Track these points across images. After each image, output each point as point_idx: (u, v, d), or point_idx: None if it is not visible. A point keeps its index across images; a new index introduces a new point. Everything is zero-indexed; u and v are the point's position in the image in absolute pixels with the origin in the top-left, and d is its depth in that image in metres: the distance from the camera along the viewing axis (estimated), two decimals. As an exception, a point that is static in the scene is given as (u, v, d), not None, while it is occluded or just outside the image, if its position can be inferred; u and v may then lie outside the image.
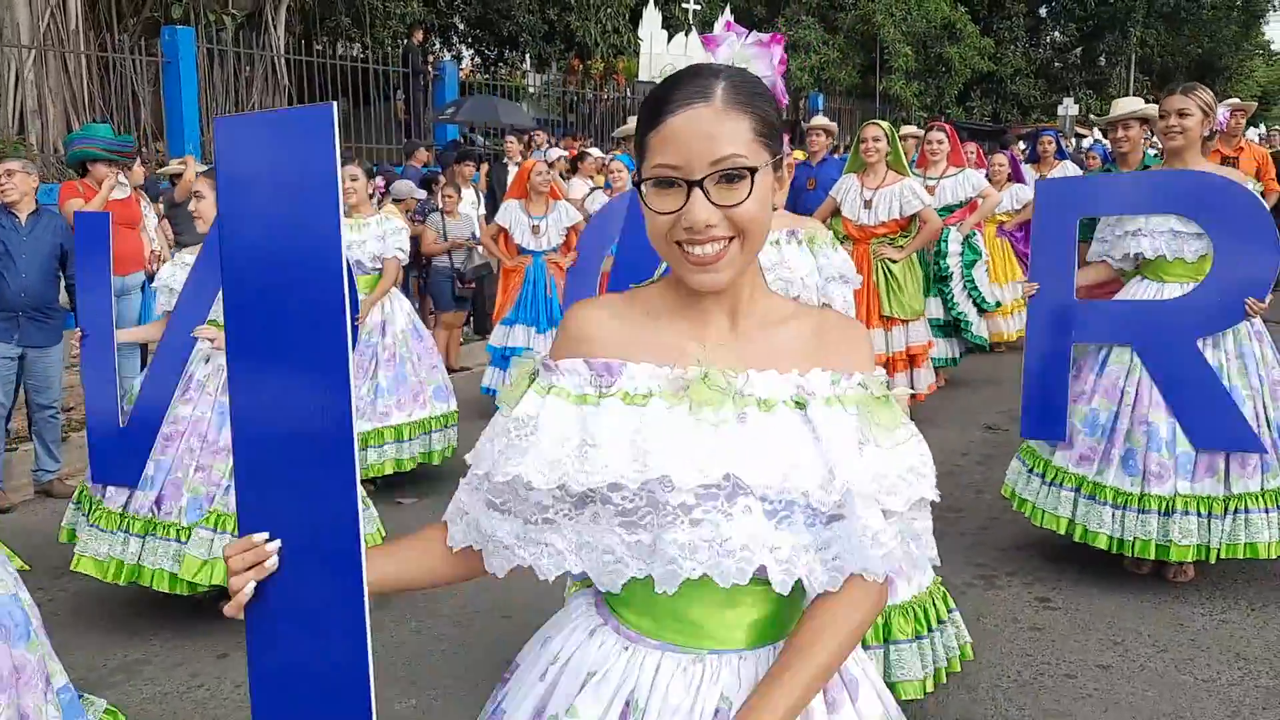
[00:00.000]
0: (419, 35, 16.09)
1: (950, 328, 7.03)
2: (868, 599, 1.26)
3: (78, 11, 12.43)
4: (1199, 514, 3.82)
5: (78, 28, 12.42)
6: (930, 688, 2.90)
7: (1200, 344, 3.90)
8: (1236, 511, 3.82)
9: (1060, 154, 9.71)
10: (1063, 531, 4.04)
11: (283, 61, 14.85)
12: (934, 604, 2.96)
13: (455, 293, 8.59)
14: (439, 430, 5.60)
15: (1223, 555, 3.83)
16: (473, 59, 21.54)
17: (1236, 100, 7.72)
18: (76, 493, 4.05)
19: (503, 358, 7.18)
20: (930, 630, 2.92)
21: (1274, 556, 3.84)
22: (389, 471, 5.32)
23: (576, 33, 19.37)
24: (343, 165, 6.26)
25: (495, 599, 4.04)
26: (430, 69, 15.78)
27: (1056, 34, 29.69)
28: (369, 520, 4.16)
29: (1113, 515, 3.91)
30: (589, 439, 1.25)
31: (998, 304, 7.48)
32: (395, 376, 5.47)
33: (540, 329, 7.09)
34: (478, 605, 4.03)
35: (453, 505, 1.40)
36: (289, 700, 1.32)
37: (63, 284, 5.61)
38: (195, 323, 3.86)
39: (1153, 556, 3.90)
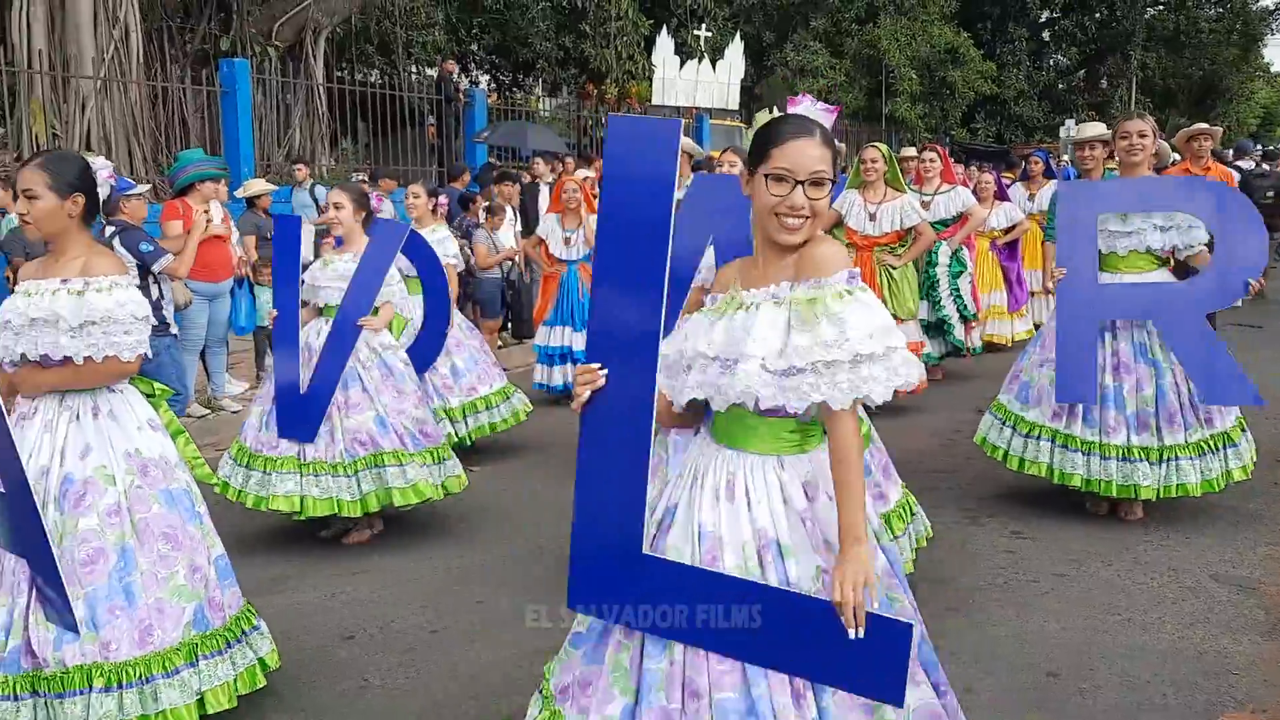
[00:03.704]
0: (451, 65, 17.02)
1: (936, 328, 7.91)
2: (843, 425, 2.08)
3: (138, 45, 13.37)
4: (1145, 461, 4.69)
5: (138, 60, 13.35)
6: (911, 568, 3.84)
7: (1134, 325, 4.77)
8: (1168, 460, 4.69)
9: (1048, 173, 10.60)
10: (1043, 474, 4.87)
11: (321, 90, 15.80)
12: (908, 505, 3.94)
13: (505, 299, 9.53)
14: (501, 402, 6.54)
15: (1162, 495, 4.69)
16: (488, 84, 22.47)
17: (1203, 125, 8.58)
18: (238, 451, 4.89)
19: (547, 356, 8.08)
20: (908, 525, 3.88)
21: (1199, 494, 4.71)
22: (487, 432, 6.29)
23: (591, 59, 20.23)
24: (408, 184, 7.24)
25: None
26: (461, 96, 16.71)
27: (1059, 57, 30.54)
28: (454, 468, 5.06)
29: (1085, 460, 4.76)
30: (690, 333, 2.24)
31: (975, 314, 8.33)
32: (468, 359, 6.41)
33: (576, 328, 7.94)
34: (537, 539, 4.90)
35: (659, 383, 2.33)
36: (601, 473, 2.20)
37: None
38: (361, 313, 4.79)
39: (1115, 495, 4.73)
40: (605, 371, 2.16)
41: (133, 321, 3.12)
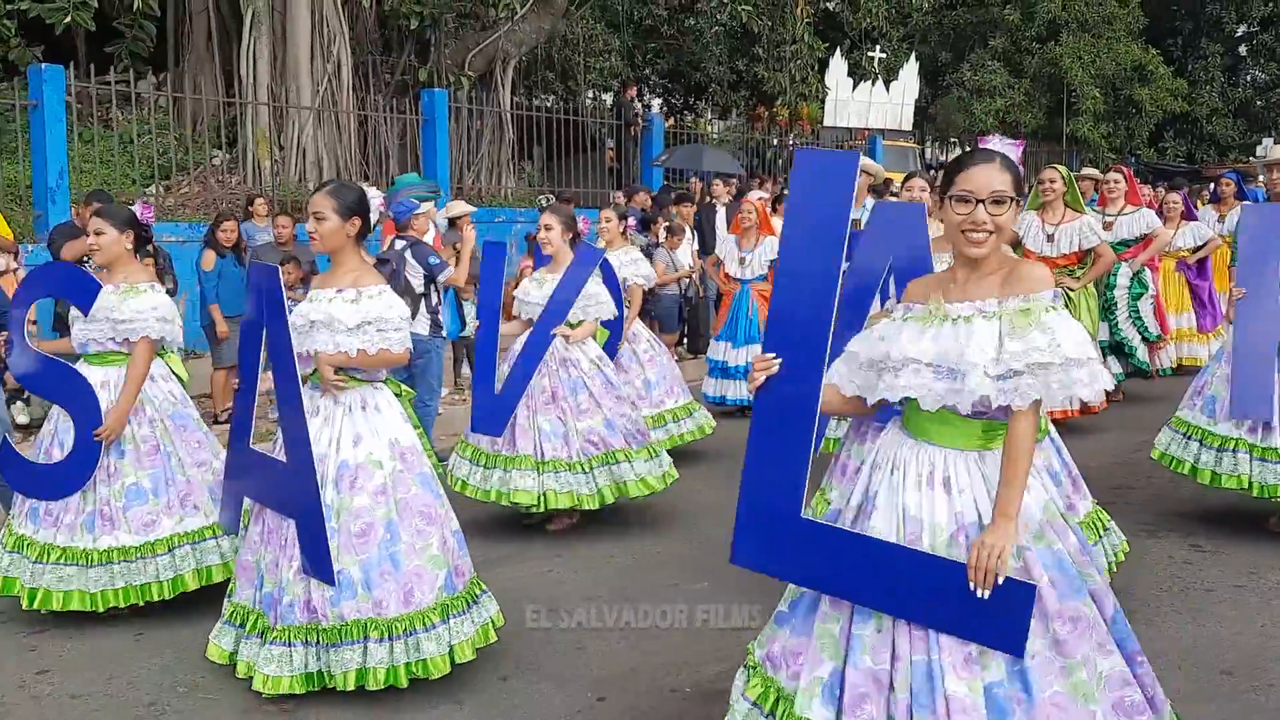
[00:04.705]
0: (632, 91, 17.70)
1: (1117, 350, 7.90)
2: (1023, 421, 2.39)
3: (349, 78, 14.54)
4: None
5: (348, 92, 14.50)
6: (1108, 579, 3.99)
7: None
8: None
9: (1240, 194, 10.32)
10: (1244, 487, 4.89)
11: (509, 116, 16.69)
12: (1099, 518, 4.08)
13: (682, 315, 9.99)
14: (686, 417, 6.94)
15: None
16: (661, 108, 23.06)
17: None
18: (462, 446, 5.52)
19: (716, 369, 8.46)
20: (1100, 537, 4.03)
21: None
22: (675, 444, 6.66)
23: (764, 82, 20.53)
24: (601, 208, 7.77)
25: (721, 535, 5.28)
26: (640, 120, 17.35)
27: (1257, 73, 29.04)
28: (667, 463, 5.54)
29: None
30: (890, 338, 2.53)
31: (1159, 335, 8.24)
32: (658, 373, 6.85)
33: (736, 344, 8.26)
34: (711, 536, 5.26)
35: (835, 374, 2.66)
36: (770, 448, 2.57)
37: None
38: (556, 324, 5.31)
39: None
40: (780, 361, 2.54)
41: (400, 321, 3.69)
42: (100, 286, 4.28)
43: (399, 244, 6.48)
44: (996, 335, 2.40)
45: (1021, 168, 2.58)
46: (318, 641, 3.52)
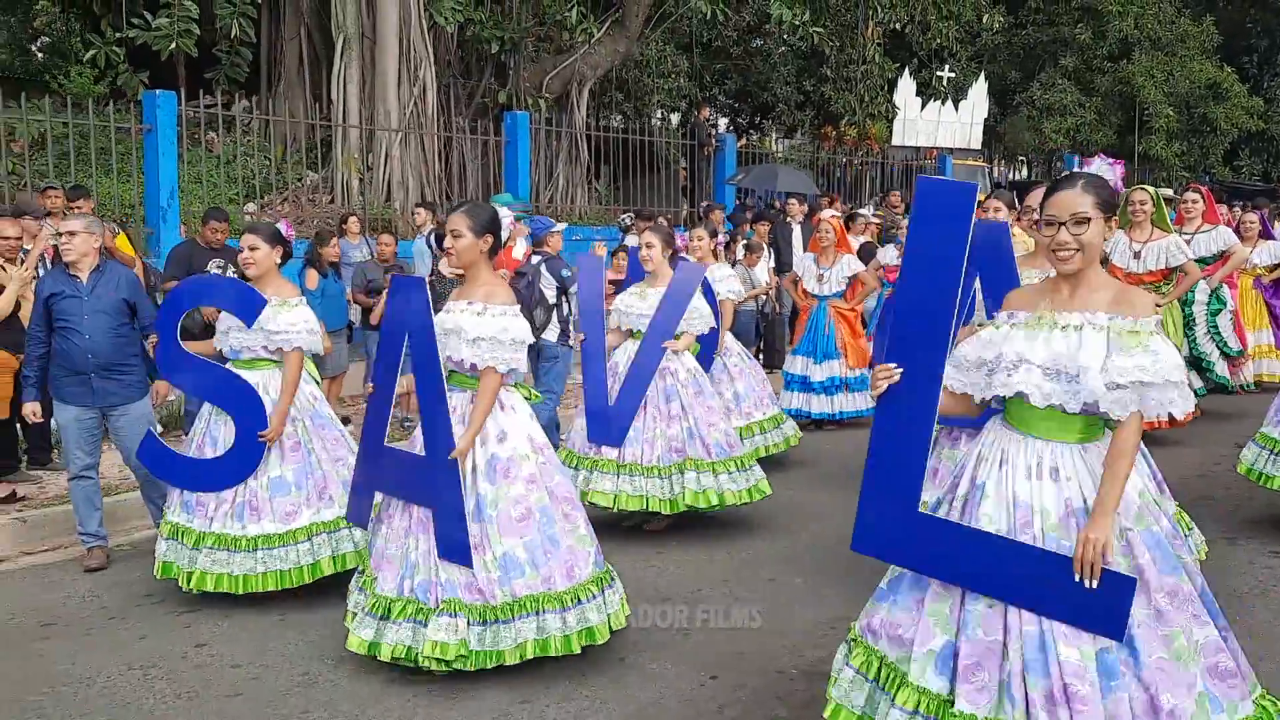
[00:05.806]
0: (705, 111, 18.03)
1: (1195, 365, 8.01)
2: (1127, 428, 2.67)
3: (433, 100, 15.07)
4: None
5: (432, 114, 15.04)
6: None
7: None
8: None
9: (1319, 213, 10.35)
10: None
11: (583, 136, 17.12)
12: (1181, 519, 4.29)
13: (759, 330, 10.27)
14: (774, 428, 7.20)
15: None
16: (727, 127, 23.27)
17: None
18: (566, 455, 5.80)
19: (789, 381, 8.70)
20: (1185, 535, 4.24)
21: None
22: (761, 454, 6.88)
23: (831, 102, 20.70)
24: (691, 227, 8.09)
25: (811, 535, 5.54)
26: (713, 141, 17.68)
27: (1337, 89, 28.50)
28: (758, 475, 5.78)
29: None
30: (1000, 342, 2.81)
31: (1240, 351, 8.33)
32: (747, 386, 7.12)
33: (816, 360, 8.51)
34: (801, 536, 5.54)
35: (946, 377, 2.90)
36: (891, 450, 2.85)
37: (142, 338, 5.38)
38: (666, 337, 5.60)
39: None
40: (901, 370, 2.79)
41: (512, 343, 3.93)
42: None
43: (535, 258, 6.97)
44: (1104, 347, 2.67)
45: (1120, 185, 2.84)
46: (483, 620, 3.77)
